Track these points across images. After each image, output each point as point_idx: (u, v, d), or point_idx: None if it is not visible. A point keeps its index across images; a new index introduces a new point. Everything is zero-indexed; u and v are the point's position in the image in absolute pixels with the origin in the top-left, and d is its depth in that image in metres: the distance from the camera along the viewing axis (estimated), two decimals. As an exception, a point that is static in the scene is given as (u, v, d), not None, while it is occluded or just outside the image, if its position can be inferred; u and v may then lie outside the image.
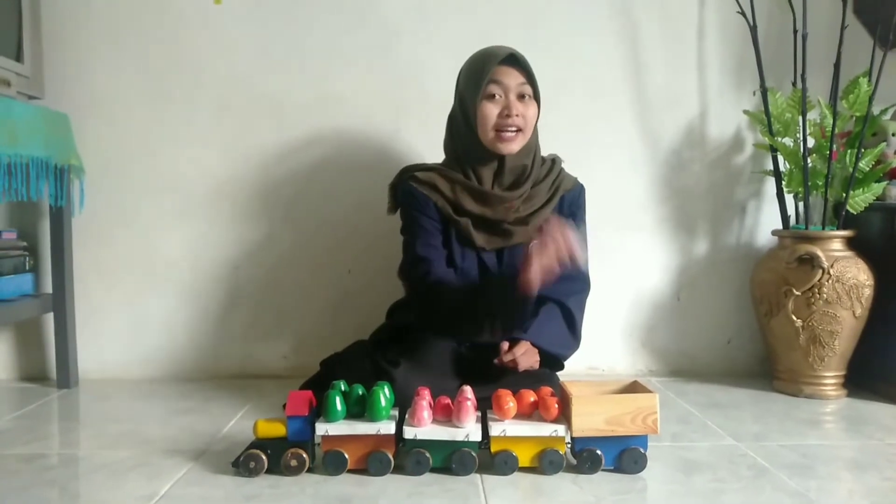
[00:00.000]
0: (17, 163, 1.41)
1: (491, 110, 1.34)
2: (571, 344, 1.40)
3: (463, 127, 1.39)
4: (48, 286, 1.69)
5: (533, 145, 1.40)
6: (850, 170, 1.58)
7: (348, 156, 1.74)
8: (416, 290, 1.43)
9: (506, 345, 1.28)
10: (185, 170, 1.75)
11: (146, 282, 1.76)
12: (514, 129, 1.34)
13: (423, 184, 1.40)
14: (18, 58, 1.53)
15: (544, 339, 1.32)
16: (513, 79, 1.34)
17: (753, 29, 1.67)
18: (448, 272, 1.36)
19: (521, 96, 1.35)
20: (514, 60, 1.34)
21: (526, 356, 1.28)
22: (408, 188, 1.41)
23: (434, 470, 1.10)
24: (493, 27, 1.73)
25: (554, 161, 1.47)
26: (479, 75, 1.35)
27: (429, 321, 1.37)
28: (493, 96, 1.34)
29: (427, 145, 1.66)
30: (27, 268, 1.68)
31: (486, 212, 1.36)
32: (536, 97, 1.36)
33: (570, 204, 1.45)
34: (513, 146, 1.35)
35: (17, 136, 1.40)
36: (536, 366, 1.30)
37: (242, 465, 1.09)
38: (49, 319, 1.70)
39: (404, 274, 1.44)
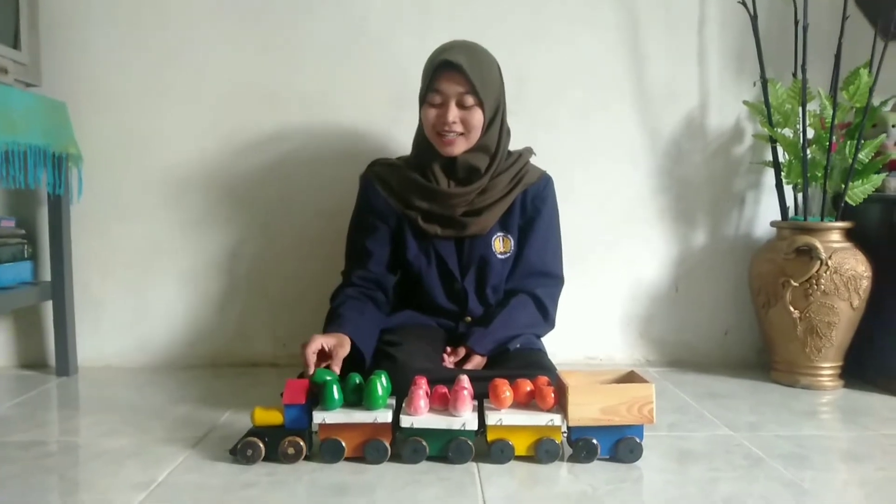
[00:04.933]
0: (15, 150, 1.41)
1: (431, 115, 1.36)
2: (543, 325, 1.46)
3: (421, 125, 1.42)
4: (47, 274, 1.69)
5: (490, 145, 1.39)
6: (850, 161, 1.58)
7: (343, 149, 1.74)
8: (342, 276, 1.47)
9: (447, 352, 1.36)
10: (183, 159, 1.75)
11: (144, 270, 1.76)
12: (453, 133, 1.35)
13: (379, 180, 1.44)
14: (16, 45, 1.52)
15: (511, 327, 1.39)
16: (451, 87, 1.33)
17: (754, 19, 1.67)
18: (346, 290, 1.40)
19: (461, 104, 1.34)
20: (454, 67, 1.31)
21: (470, 366, 1.34)
22: (366, 183, 1.46)
23: (431, 458, 1.11)
24: (492, 19, 1.72)
25: (521, 155, 1.47)
26: (424, 80, 1.38)
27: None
28: (434, 103, 1.36)
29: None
30: (26, 256, 1.68)
31: (433, 207, 1.39)
32: (482, 103, 1.34)
33: (535, 198, 1.46)
34: (454, 149, 1.37)
35: (15, 123, 1.40)
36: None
37: (240, 452, 1.09)
38: (48, 307, 1.71)
39: (345, 262, 1.49)
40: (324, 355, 1.21)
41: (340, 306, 1.35)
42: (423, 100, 1.37)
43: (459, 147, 1.37)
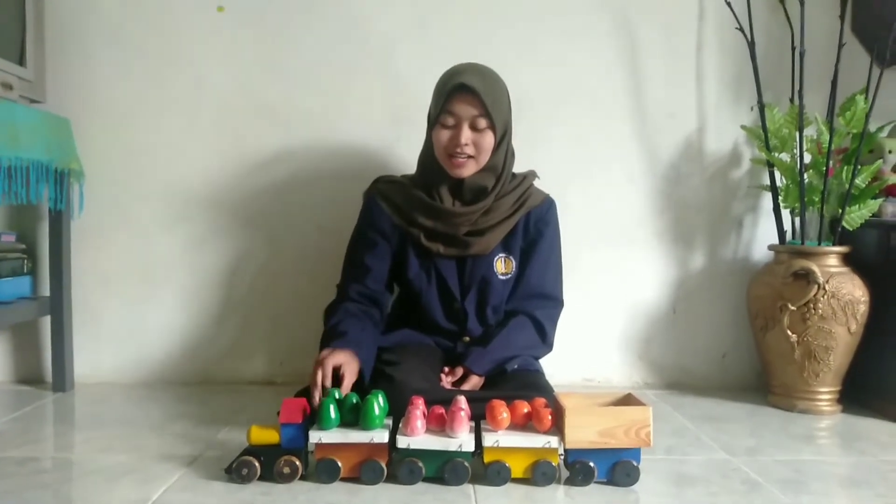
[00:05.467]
0: (18, 166, 1.42)
1: (443, 137, 1.37)
2: (541, 347, 1.46)
3: (429, 145, 1.43)
4: (46, 289, 1.69)
5: (497, 166, 1.41)
6: (847, 186, 1.59)
7: (346, 165, 1.75)
8: (337, 291, 1.48)
9: (445, 372, 1.36)
10: (185, 175, 1.76)
11: (143, 286, 1.76)
12: (464, 156, 1.36)
13: (383, 196, 1.45)
14: (21, 62, 1.54)
15: (509, 348, 1.39)
16: (465, 110, 1.35)
17: (752, 45, 1.69)
18: (344, 306, 1.40)
19: (473, 127, 1.36)
20: (469, 90, 1.33)
21: (467, 386, 1.34)
22: (369, 200, 1.47)
23: (427, 479, 1.10)
24: (492, 39, 1.74)
25: (525, 177, 1.48)
26: (436, 102, 1.39)
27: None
28: (447, 125, 1.36)
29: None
30: (25, 270, 1.68)
31: (437, 225, 1.40)
32: (493, 126, 1.36)
33: (538, 220, 1.47)
34: (463, 171, 1.37)
35: (19, 139, 1.41)
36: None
37: (235, 471, 1.09)
38: (46, 322, 1.70)
39: (342, 274, 1.50)
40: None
41: (341, 322, 1.35)
42: (436, 121, 1.38)
43: (469, 169, 1.38)
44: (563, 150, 1.77)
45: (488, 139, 1.36)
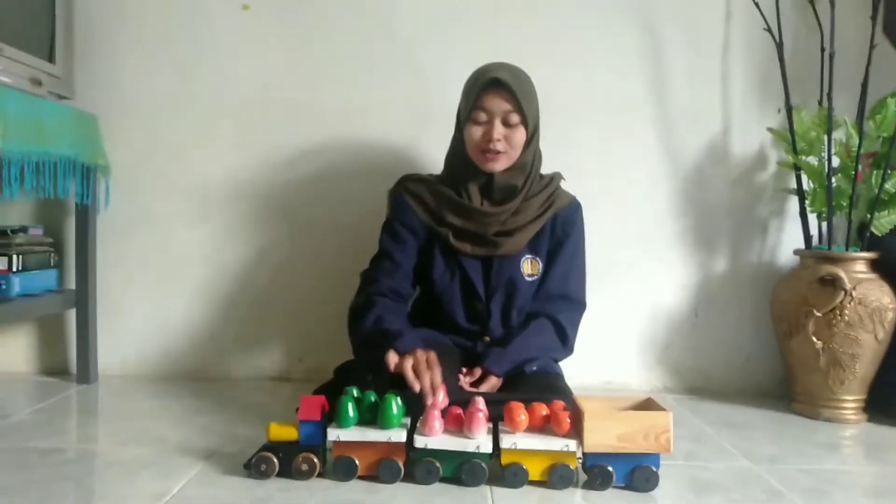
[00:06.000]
0: (46, 161, 1.44)
1: (476, 133, 1.37)
2: (562, 350, 1.45)
3: (458, 143, 1.43)
4: (72, 282, 1.72)
5: (526, 164, 1.41)
6: (876, 191, 1.56)
7: (368, 162, 1.76)
8: (360, 285, 1.43)
9: (463, 373, 1.34)
10: (208, 172, 1.77)
11: (166, 281, 1.79)
12: (495, 152, 1.36)
13: (411, 194, 1.44)
14: (51, 59, 1.57)
15: (529, 349, 1.38)
16: (498, 105, 1.35)
17: (780, 46, 1.66)
18: (381, 300, 1.36)
19: (506, 122, 1.36)
20: (501, 84, 1.34)
21: (485, 387, 1.32)
22: (397, 197, 1.46)
23: (444, 480, 1.10)
24: (513, 42, 1.73)
25: (552, 179, 1.48)
26: (467, 99, 1.39)
27: (350, 318, 1.39)
28: (479, 121, 1.37)
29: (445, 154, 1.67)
30: (52, 264, 1.71)
31: (466, 224, 1.40)
32: (525, 122, 1.36)
33: (564, 222, 1.46)
34: (496, 165, 1.38)
35: (47, 135, 1.43)
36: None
37: (254, 467, 1.10)
38: (71, 315, 1.73)
39: (370, 263, 1.46)
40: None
41: (392, 317, 1.32)
42: (468, 118, 1.38)
43: (502, 164, 1.38)
44: (585, 152, 1.76)
45: (520, 135, 1.37)
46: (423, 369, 1.15)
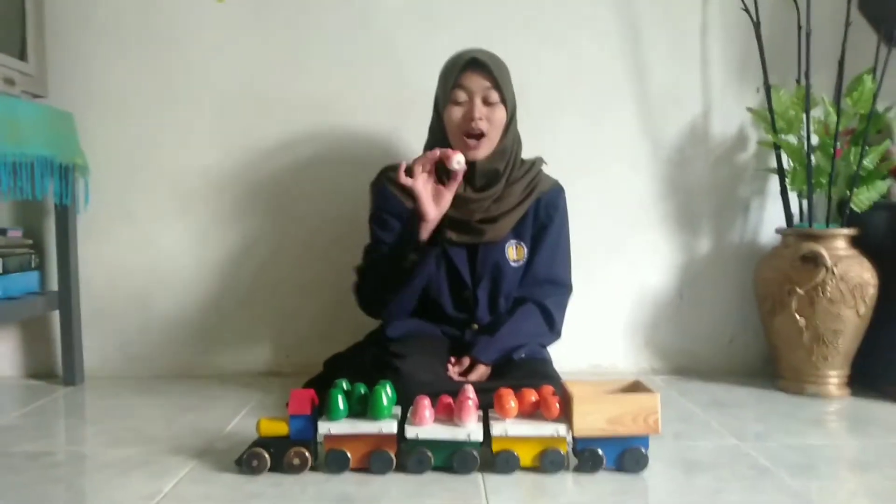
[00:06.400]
0: (22, 162, 1.42)
1: (456, 114, 1.37)
2: (549, 335, 1.46)
3: (437, 131, 1.43)
4: (54, 284, 1.70)
5: (507, 149, 1.41)
6: (855, 167, 1.58)
7: (349, 154, 1.75)
8: (364, 268, 1.45)
9: (451, 362, 1.36)
10: (188, 167, 1.76)
11: (150, 279, 1.77)
12: (477, 132, 1.36)
13: (393, 184, 1.43)
14: (22, 56, 1.54)
15: (517, 336, 1.39)
16: (477, 83, 1.36)
17: (757, 25, 1.67)
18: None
19: (486, 100, 1.36)
20: (480, 64, 1.35)
21: (474, 376, 1.34)
22: (380, 188, 1.47)
23: (436, 469, 1.11)
24: (493, 27, 1.73)
25: (534, 163, 1.48)
26: (446, 80, 1.39)
27: (368, 291, 1.42)
28: (459, 101, 1.37)
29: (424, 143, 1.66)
30: (33, 266, 1.69)
31: (450, 212, 1.39)
32: (505, 101, 1.37)
33: (547, 206, 1.47)
34: (478, 152, 1.38)
35: (22, 134, 1.41)
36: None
37: (245, 463, 1.10)
38: (55, 317, 1.71)
39: (363, 256, 1.48)
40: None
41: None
42: (447, 100, 1.38)
43: (483, 150, 1.38)
44: (566, 136, 1.76)
45: (500, 114, 1.37)
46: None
